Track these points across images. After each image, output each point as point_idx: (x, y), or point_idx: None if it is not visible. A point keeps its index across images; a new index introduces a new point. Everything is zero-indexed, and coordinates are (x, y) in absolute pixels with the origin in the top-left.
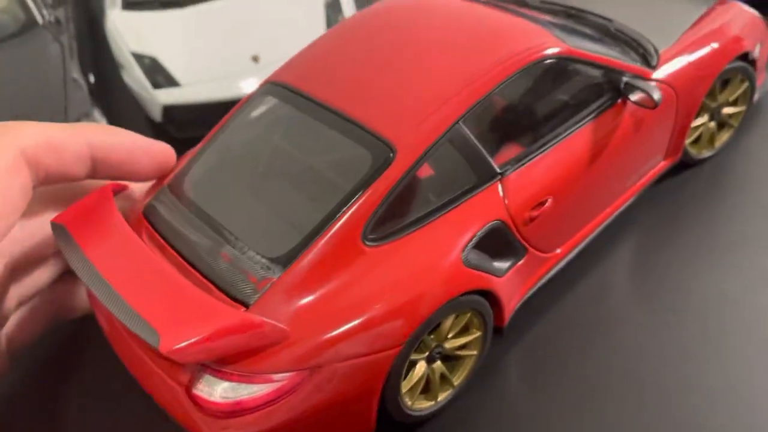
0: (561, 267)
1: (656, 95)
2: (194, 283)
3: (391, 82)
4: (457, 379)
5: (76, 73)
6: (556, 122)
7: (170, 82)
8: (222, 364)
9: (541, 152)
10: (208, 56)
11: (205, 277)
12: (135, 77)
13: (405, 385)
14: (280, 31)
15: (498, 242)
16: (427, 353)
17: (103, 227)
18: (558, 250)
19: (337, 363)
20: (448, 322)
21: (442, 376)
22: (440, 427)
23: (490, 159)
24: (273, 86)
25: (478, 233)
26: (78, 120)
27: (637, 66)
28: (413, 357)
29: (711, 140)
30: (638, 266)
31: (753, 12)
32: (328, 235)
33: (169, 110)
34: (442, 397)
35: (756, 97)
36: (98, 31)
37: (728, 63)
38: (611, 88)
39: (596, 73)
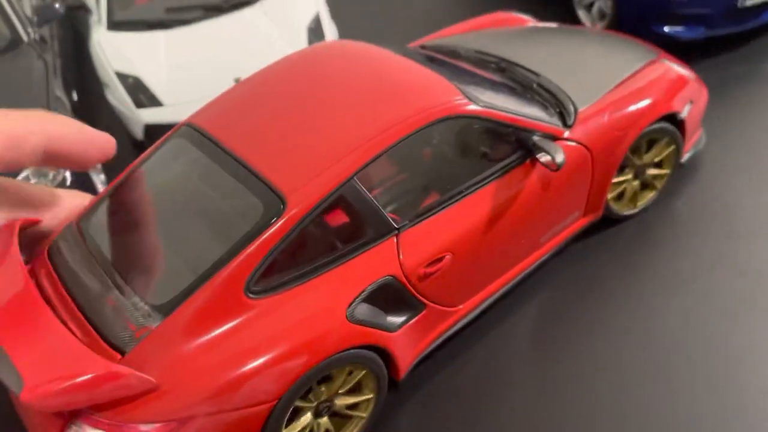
0: (467, 322)
1: (559, 158)
2: (79, 328)
3: (294, 132)
4: None
5: (59, 91)
6: (459, 179)
7: (153, 101)
8: (94, 411)
9: (442, 209)
10: (191, 77)
11: (89, 322)
12: (118, 96)
13: None
14: (262, 54)
15: (391, 298)
16: (315, 404)
17: None
18: (461, 306)
19: (207, 416)
20: (341, 377)
21: None
22: None
23: (385, 215)
24: (187, 128)
25: (368, 288)
26: None
27: (550, 125)
28: (300, 404)
29: (634, 199)
30: (541, 329)
31: (684, 72)
32: (211, 285)
33: (151, 129)
34: None
35: (687, 156)
36: (82, 50)
37: (650, 124)
38: (521, 147)
39: (506, 131)
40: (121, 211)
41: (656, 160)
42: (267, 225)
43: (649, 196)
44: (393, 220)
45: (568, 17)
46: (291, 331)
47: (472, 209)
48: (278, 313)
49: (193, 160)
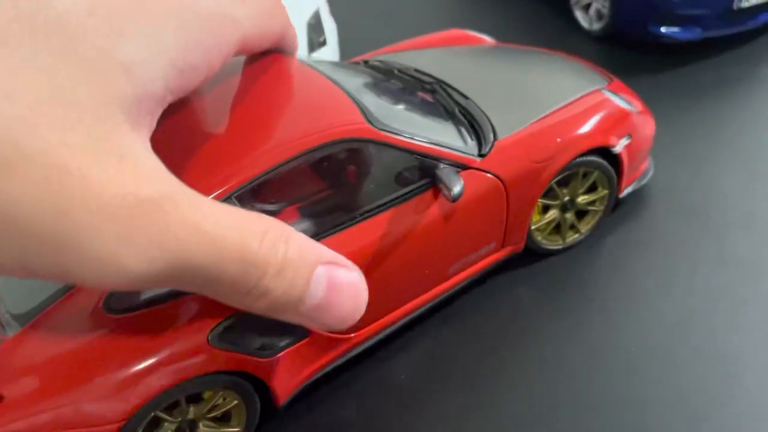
0: (360, 351)
1: (455, 190)
2: None
3: (192, 142)
4: None
5: None
6: (354, 203)
7: None
8: None
9: (332, 233)
10: None
11: None
12: None
13: None
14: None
15: (263, 323)
16: (178, 421)
17: None
18: (351, 335)
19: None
20: (212, 400)
21: None
22: None
23: None
24: None
25: (236, 313)
26: None
27: (459, 154)
28: (163, 416)
29: (563, 234)
30: (432, 367)
31: (624, 105)
32: (71, 298)
33: None
34: None
35: (627, 190)
36: None
37: (576, 157)
38: (426, 174)
39: (409, 157)
40: None
41: (585, 198)
42: None
43: (575, 236)
44: None
45: (566, 18)
46: (146, 352)
47: (365, 235)
48: (136, 332)
49: None
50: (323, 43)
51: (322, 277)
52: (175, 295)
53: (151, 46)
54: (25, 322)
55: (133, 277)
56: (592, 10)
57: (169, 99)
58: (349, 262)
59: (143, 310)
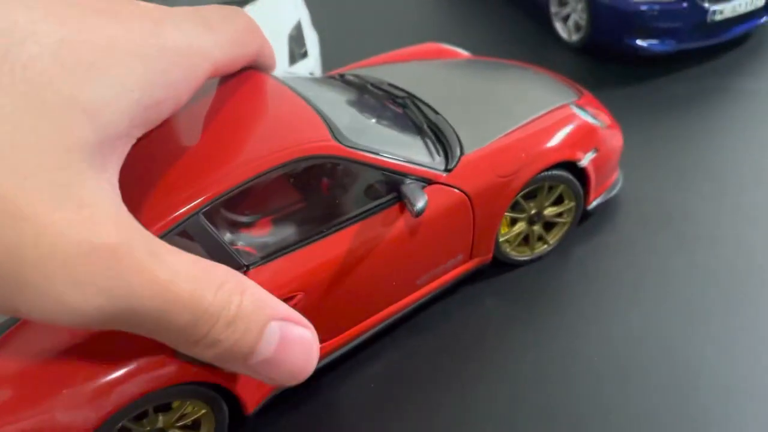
0: (329, 362)
1: (418, 205)
2: None
3: (162, 160)
4: None
5: None
6: (323, 217)
7: None
8: None
9: (299, 247)
10: None
11: None
12: None
13: None
14: None
15: None
16: (148, 429)
17: None
18: (321, 345)
19: None
20: (180, 410)
21: None
22: None
23: (232, 252)
24: None
25: None
26: None
27: (425, 169)
28: (130, 426)
29: (531, 246)
30: (399, 378)
31: (588, 120)
32: None
33: None
34: None
35: (596, 202)
36: None
37: (542, 171)
38: (393, 189)
39: (376, 173)
40: None
41: (552, 210)
42: None
43: (543, 247)
44: (247, 254)
45: (546, 30)
46: (116, 363)
47: (332, 248)
48: (106, 343)
49: None
50: (304, 55)
51: (275, 332)
52: None
53: (115, 88)
54: (5, 328)
55: (82, 319)
56: (570, 22)
57: (137, 134)
58: (303, 320)
59: None
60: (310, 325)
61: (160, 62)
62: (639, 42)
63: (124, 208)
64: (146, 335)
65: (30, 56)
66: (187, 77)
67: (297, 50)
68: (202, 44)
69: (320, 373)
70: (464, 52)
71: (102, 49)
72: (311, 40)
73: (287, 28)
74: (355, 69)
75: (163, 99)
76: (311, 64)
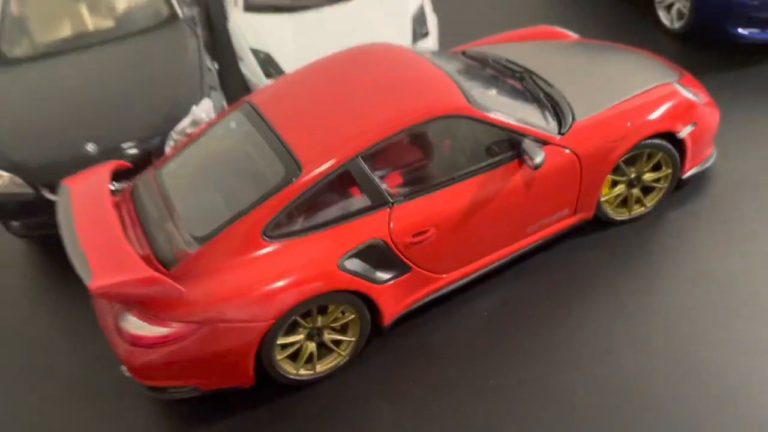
0: (451, 290)
1: (537, 160)
2: (140, 246)
3: (322, 115)
4: (322, 366)
5: (208, 62)
6: (454, 168)
7: (280, 74)
8: (139, 307)
9: (434, 190)
10: (313, 55)
11: (149, 242)
12: (251, 68)
13: (281, 352)
14: (371, 38)
15: (380, 257)
16: (309, 327)
17: (92, 194)
18: (444, 275)
19: (218, 323)
20: (335, 313)
21: (310, 358)
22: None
23: (383, 189)
24: (246, 104)
25: (358, 246)
26: (208, 93)
27: (542, 131)
28: (299, 320)
29: (629, 207)
30: (505, 312)
31: (691, 96)
32: (237, 227)
33: None
34: (319, 368)
35: (690, 172)
36: (217, 28)
37: (644, 139)
38: (512, 147)
39: (499, 132)
40: (185, 163)
41: (651, 176)
42: (284, 185)
43: (641, 209)
44: (390, 194)
45: (650, 17)
46: (292, 270)
47: (460, 194)
48: (284, 255)
49: (245, 129)
50: (426, 35)
51: None
52: (314, 227)
53: None
54: (203, 242)
55: None
56: (673, 10)
57: None
58: None
59: (292, 238)
60: None
61: None
62: (740, 30)
63: None
64: None
65: None
66: None
67: (419, 30)
68: None
69: (436, 302)
70: (574, 35)
71: None
72: (432, 21)
73: (411, 11)
74: (475, 47)
75: None
76: (430, 44)
